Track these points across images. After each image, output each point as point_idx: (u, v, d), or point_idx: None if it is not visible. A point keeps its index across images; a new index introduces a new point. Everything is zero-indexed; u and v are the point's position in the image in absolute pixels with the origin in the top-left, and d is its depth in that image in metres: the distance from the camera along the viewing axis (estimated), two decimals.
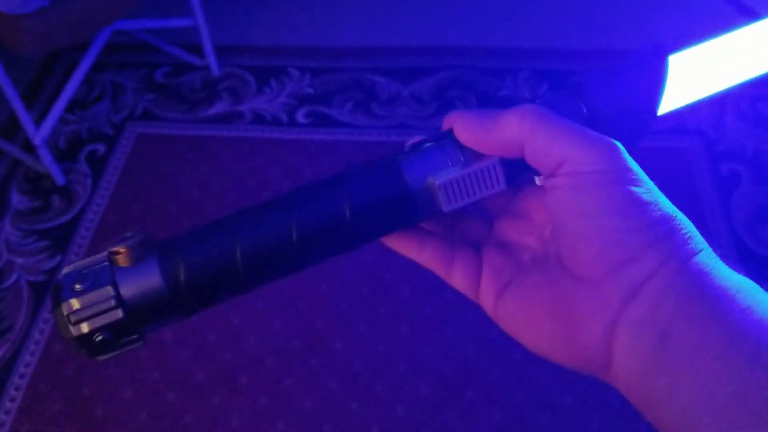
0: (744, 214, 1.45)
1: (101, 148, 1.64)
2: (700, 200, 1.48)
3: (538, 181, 0.32)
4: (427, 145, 0.33)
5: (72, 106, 1.71)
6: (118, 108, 1.73)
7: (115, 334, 0.29)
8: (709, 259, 0.28)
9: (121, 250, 0.29)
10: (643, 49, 0.33)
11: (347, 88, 1.75)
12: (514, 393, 1.20)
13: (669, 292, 0.27)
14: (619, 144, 0.29)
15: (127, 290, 0.29)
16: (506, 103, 1.67)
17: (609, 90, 0.33)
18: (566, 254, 0.30)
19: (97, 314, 0.29)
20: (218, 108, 1.71)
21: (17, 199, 1.55)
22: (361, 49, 1.84)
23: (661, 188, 0.29)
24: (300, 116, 1.68)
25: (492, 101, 1.70)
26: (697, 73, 0.35)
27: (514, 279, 0.33)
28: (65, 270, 0.30)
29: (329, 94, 1.73)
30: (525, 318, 0.32)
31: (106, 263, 0.30)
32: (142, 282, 0.30)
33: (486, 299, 0.34)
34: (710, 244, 0.29)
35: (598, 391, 1.18)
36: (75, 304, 0.29)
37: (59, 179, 1.56)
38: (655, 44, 0.34)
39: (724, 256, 0.29)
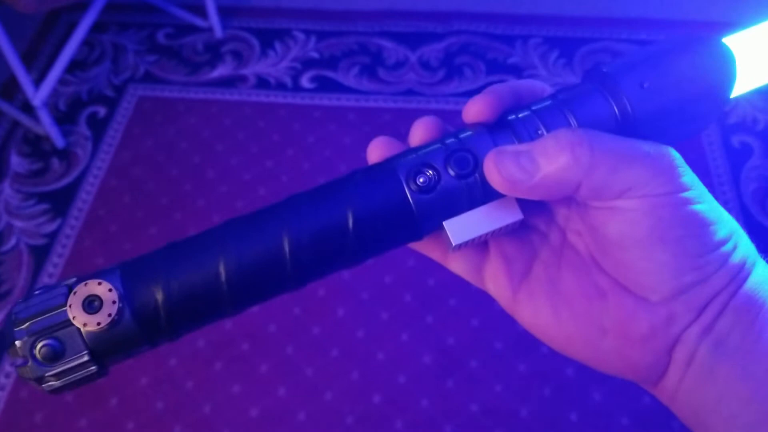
0: (754, 187, 1.43)
1: (102, 110, 1.61)
2: (710, 173, 1.46)
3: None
4: (446, 179, 0.29)
5: (72, 67, 1.68)
6: (119, 70, 1.70)
7: (82, 383, 0.28)
8: (764, 270, 0.28)
9: (90, 326, 0.27)
10: (686, 35, 0.30)
11: (353, 53, 1.71)
12: (516, 364, 1.20)
13: (726, 308, 0.27)
14: (675, 154, 0.28)
15: (97, 342, 0.27)
16: (516, 72, 1.65)
17: (652, 85, 0.29)
18: (622, 272, 0.28)
19: (68, 373, 0.27)
20: (221, 71, 1.68)
21: (16, 162, 1.53)
22: (368, 13, 1.79)
23: None
24: (305, 81, 1.65)
25: (501, 68, 1.66)
26: (752, 59, 0.32)
27: (534, 272, 0.31)
28: (22, 326, 0.27)
29: (335, 58, 1.70)
30: (562, 322, 0.30)
31: (72, 328, 0.27)
32: (115, 334, 0.27)
33: (499, 289, 0.32)
34: None
35: None
36: (51, 380, 0.27)
37: (59, 142, 1.53)
38: (697, 31, 0.29)
39: None
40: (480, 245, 0.32)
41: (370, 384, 1.19)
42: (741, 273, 0.27)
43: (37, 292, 0.28)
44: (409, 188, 0.29)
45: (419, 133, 0.31)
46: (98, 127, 1.58)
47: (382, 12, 1.79)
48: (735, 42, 0.31)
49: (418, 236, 0.30)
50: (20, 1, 1.28)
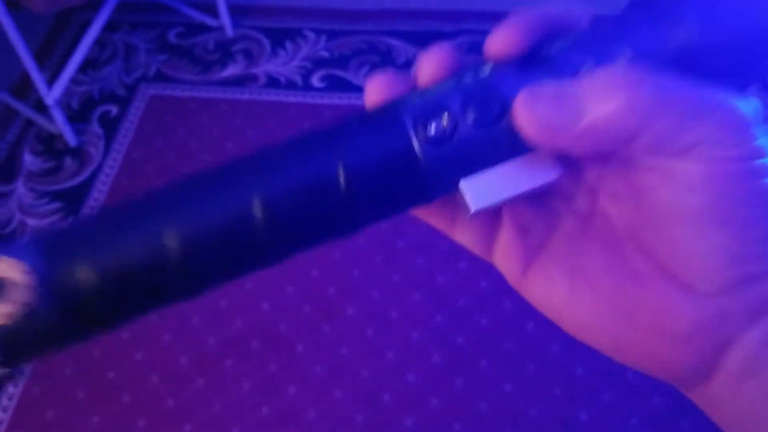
0: None
1: (114, 109, 1.62)
2: None
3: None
4: (464, 129, 0.23)
5: (84, 67, 1.69)
6: (131, 69, 1.71)
7: None
8: None
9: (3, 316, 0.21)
10: None
11: (363, 52, 1.71)
12: (526, 364, 1.20)
13: None
14: (753, 115, 0.22)
15: (5, 334, 0.21)
16: None
17: (713, 9, 0.22)
18: (666, 252, 0.23)
19: None
20: (232, 70, 1.69)
21: (29, 160, 1.54)
22: (378, 12, 1.80)
23: None
24: (315, 80, 1.66)
25: None
26: None
27: (552, 244, 0.26)
28: None
29: (345, 57, 1.70)
30: (580, 303, 0.25)
31: None
32: (31, 323, 0.21)
33: (509, 264, 0.26)
34: None
35: (613, 363, 1.17)
36: None
37: (72, 140, 1.54)
38: None
39: None
40: (491, 211, 0.25)
41: (379, 383, 1.20)
42: None
43: None
44: (418, 138, 0.22)
45: (429, 67, 0.24)
46: (110, 125, 1.59)
47: (392, 11, 1.80)
48: None
49: (426, 199, 0.24)
50: (33, 1, 1.29)
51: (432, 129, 0.22)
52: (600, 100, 0.21)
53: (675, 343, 0.23)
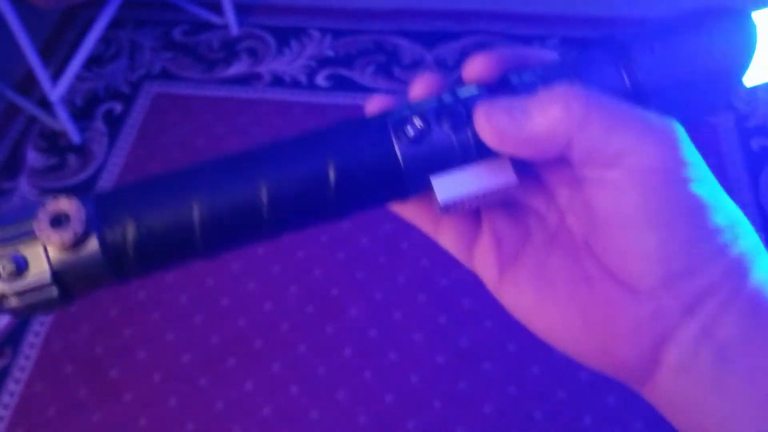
0: None
1: (118, 106, 1.62)
2: (729, 176, 1.44)
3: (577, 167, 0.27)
4: (437, 129, 0.27)
5: (89, 64, 1.69)
6: (135, 66, 1.71)
7: (42, 308, 0.26)
8: None
9: (55, 242, 0.25)
10: (710, 7, 0.28)
11: (369, 51, 1.71)
12: (530, 366, 1.19)
13: (729, 308, 0.24)
14: (679, 129, 0.25)
15: (61, 264, 0.26)
16: None
17: (662, 55, 0.27)
18: (610, 255, 0.26)
19: (28, 293, 0.25)
20: (237, 69, 1.68)
21: (33, 157, 1.54)
22: (384, 11, 1.79)
23: None
24: (320, 79, 1.65)
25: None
26: None
27: (524, 254, 0.29)
28: None
29: (350, 56, 1.70)
30: (546, 312, 0.28)
31: (39, 245, 0.26)
32: (81, 260, 0.26)
33: (485, 269, 0.30)
34: None
35: None
36: (12, 299, 0.25)
37: (75, 137, 1.54)
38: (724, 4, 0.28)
39: None
40: (472, 220, 0.30)
41: (382, 384, 1.19)
42: (740, 268, 0.24)
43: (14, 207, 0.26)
44: (397, 138, 0.27)
45: (418, 88, 0.29)
46: (114, 123, 1.59)
47: (399, 10, 1.79)
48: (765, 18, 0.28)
49: (404, 193, 0.28)
50: None
51: (409, 130, 0.27)
52: (542, 111, 0.25)
53: (619, 340, 0.26)
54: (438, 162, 0.27)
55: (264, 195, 0.26)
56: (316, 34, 1.75)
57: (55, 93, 1.46)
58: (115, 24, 1.74)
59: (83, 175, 1.49)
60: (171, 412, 1.17)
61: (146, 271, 0.27)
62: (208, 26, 1.78)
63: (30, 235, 0.25)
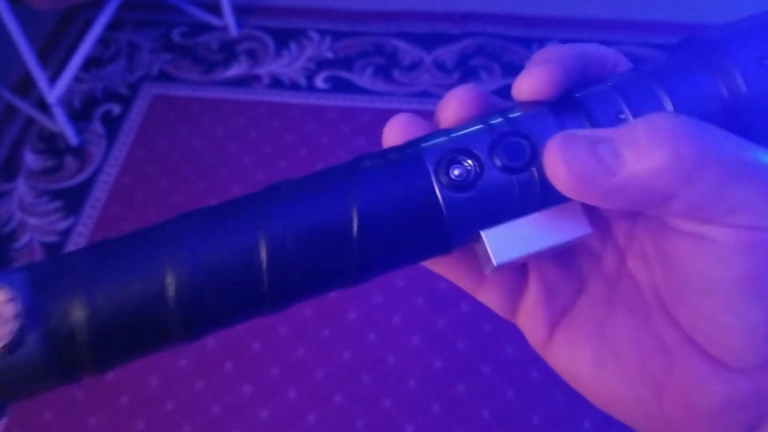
0: None
1: (116, 108, 1.62)
2: None
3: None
4: (490, 174, 0.21)
5: (87, 65, 1.68)
6: (134, 68, 1.70)
7: None
8: None
9: None
10: None
11: (368, 54, 1.70)
12: (529, 370, 1.18)
13: None
14: None
15: None
16: None
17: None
18: (697, 324, 0.22)
19: None
20: (235, 70, 1.68)
21: (31, 159, 1.53)
22: (383, 14, 1.79)
23: None
24: (319, 81, 1.65)
25: (517, 71, 1.64)
26: None
27: (576, 306, 0.24)
28: None
29: (349, 59, 1.69)
30: (606, 377, 0.24)
31: None
32: (15, 362, 0.19)
33: (533, 327, 0.25)
34: None
35: None
36: None
37: (73, 139, 1.54)
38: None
39: None
40: (518, 269, 0.25)
41: (380, 388, 1.19)
42: None
43: None
44: (439, 182, 0.21)
45: (454, 108, 0.23)
46: (112, 125, 1.58)
47: (398, 13, 1.79)
48: None
49: (446, 248, 0.22)
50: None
51: (455, 172, 0.21)
52: (642, 152, 0.19)
53: (706, 421, 0.22)
54: (492, 213, 0.21)
55: (263, 253, 0.20)
56: (315, 36, 1.75)
57: (53, 94, 1.45)
58: (113, 25, 1.73)
59: (81, 177, 1.49)
60: (168, 415, 1.17)
61: (105, 366, 0.21)
62: (207, 28, 1.77)
63: None
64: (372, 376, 1.20)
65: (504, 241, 0.21)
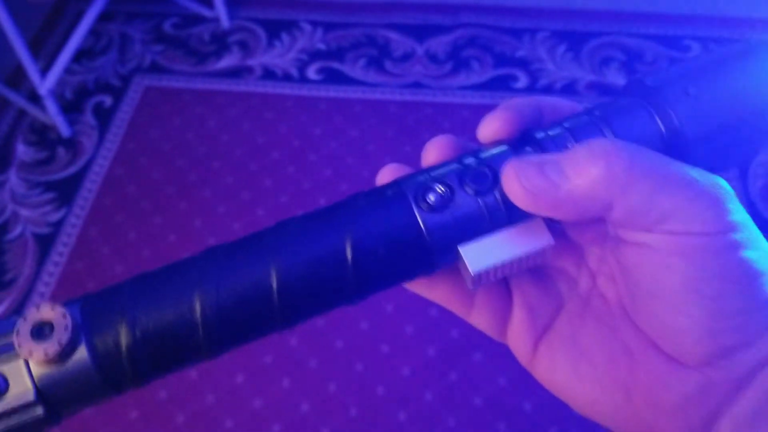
0: (761, 183, 1.42)
1: (108, 100, 1.61)
2: None
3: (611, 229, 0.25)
4: (460, 195, 0.25)
5: (79, 56, 1.68)
6: (126, 59, 1.70)
7: (30, 429, 0.23)
8: None
9: (40, 356, 0.22)
10: (741, 42, 0.26)
11: (360, 45, 1.70)
12: None
13: None
14: (727, 187, 0.23)
15: (47, 383, 0.23)
16: (524, 65, 1.64)
17: (698, 99, 0.25)
18: (653, 326, 0.24)
19: (11, 414, 0.23)
20: (227, 62, 1.68)
21: (22, 150, 1.53)
22: (375, 5, 1.79)
23: None
24: (311, 72, 1.65)
25: (509, 62, 1.65)
26: None
27: (557, 324, 0.27)
28: None
29: (341, 50, 1.69)
30: (581, 383, 0.26)
31: (20, 361, 0.23)
32: (70, 376, 0.23)
33: (519, 345, 0.28)
34: None
35: None
36: None
37: (65, 131, 1.53)
38: (757, 39, 0.26)
39: None
40: (504, 295, 0.28)
41: (374, 376, 1.19)
42: None
43: None
44: (419, 207, 0.25)
45: (433, 153, 0.27)
46: (104, 116, 1.58)
47: (390, 4, 1.79)
48: None
49: (430, 267, 0.26)
50: None
51: (431, 197, 0.25)
52: (581, 168, 0.23)
53: (668, 418, 0.24)
54: (466, 230, 0.25)
55: (274, 283, 0.24)
56: (307, 27, 1.75)
57: (45, 86, 1.45)
58: (105, 17, 1.73)
59: (73, 169, 1.49)
60: (162, 404, 1.17)
61: (144, 379, 0.24)
62: (199, 19, 1.77)
63: (9, 351, 0.23)
64: (365, 365, 1.21)
65: (478, 254, 0.25)
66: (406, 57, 1.67)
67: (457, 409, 1.16)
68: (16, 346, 0.23)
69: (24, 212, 1.42)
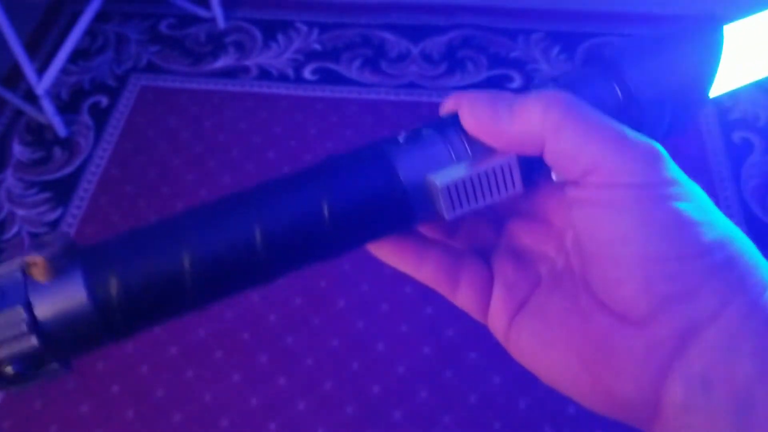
0: (754, 183, 1.44)
1: (104, 100, 1.62)
2: (711, 170, 1.46)
3: (555, 177, 0.27)
4: (427, 132, 0.27)
5: (75, 57, 1.68)
6: (122, 59, 1.70)
7: (29, 364, 0.24)
8: None
9: (37, 260, 0.23)
10: (692, 19, 0.28)
11: (356, 45, 1.71)
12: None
13: (742, 341, 0.21)
14: (661, 148, 0.24)
15: (44, 311, 0.24)
16: (518, 66, 1.65)
17: (650, 68, 0.27)
18: (599, 284, 0.24)
19: (4, 341, 0.23)
20: (223, 62, 1.68)
21: (19, 150, 1.53)
22: (370, 5, 1.79)
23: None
24: (307, 73, 1.65)
25: (503, 62, 1.66)
26: (754, 50, 0.29)
27: (530, 299, 0.28)
28: None
29: (337, 50, 1.70)
30: (546, 354, 0.26)
31: (19, 275, 0.24)
32: (63, 301, 0.24)
33: (496, 322, 0.28)
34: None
35: None
36: None
37: (61, 131, 1.54)
38: (707, 13, 0.29)
39: None
40: (487, 278, 0.29)
41: (369, 374, 1.20)
42: (744, 295, 0.22)
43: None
44: (388, 146, 0.27)
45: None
46: (100, 116, 1.59)
47: (385, 4, 1.79)
48: (737, 29, 0.29)
49: (406, 206, 0.27)
50: None
51: (400, 137, 0.27)
52: (524, 107, 0.25)
53: (619, 378, 0.23)
54: (433, 161, 0.27)
55: (258, 238, 0.25)
56: (303, 27, 1.75)
57: (41, 86, 1.45)
58: (101, 17, 1.73)
59: (69, 169, 1.49)
60: (158, 403, 1.18)
61: (135, 326, 0.25)
62: (195, 19, 1.77)
63: (11, 274, 0.24)
64: (361, 363, 1.21)
65: (446, 174, 0.26)
66: (402, 57, 1.68)
67: (452, 408, 1.16)
68: (16, 261, 0.24)
69: (20, 212, 1.43)
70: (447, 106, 0.28)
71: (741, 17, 0.30)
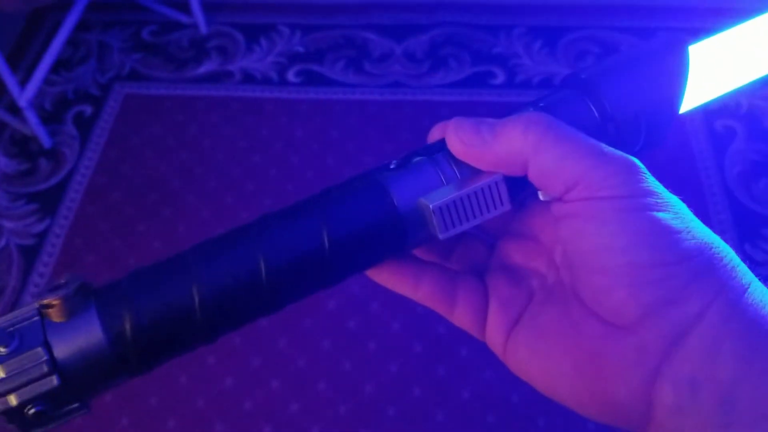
0: (738, 170, 1.45)
1: (88, 109, 1.61)
2: (694, 157, 1.47)
3: (541, 196, 0.28)
4: (417, 159, 0.28)
5: (57, 67, 1.68)
6: (105, 68, 1.70)
7: (50, 404, 0.25)
8: (763, 294, 0.23)
9: (54, 302, 0.24)
10: (658, 41, 0.30)
11: (339, 46, 1.71)
12: None
13: (724, 343, 0.22)
14: (638, 162, 0.25)
15: (62, 351, 0.25)
16: (501, 61, 1.65)
17: (623, 88, 0.29)
18: (588, 294, 0.25)
19: (27, 383, 0.24)
20: (207, 67, 1.68)
21: (4, 163, 1.53)
22: (352, 6, 1.80)
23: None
24: (291, 75, 1.66)
25: (486, 58, 1.67)
26: (719, 67, 0.31)
27: (525, 314, 0.29)
28: None
29: (320, 52, 1.70)
30: (542, 364, 0.27)
31: (36, 318, 0.25)
32: (80, 339, 0.25)
33: (494, 338, 0.29)
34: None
35: None
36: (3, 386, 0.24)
37: (46, 142, 1.53)
38: (672, 35, 0.30)
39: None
40: (483, 295, 0.30)
41: (362, 373, 1.20)
42: (724, 296, 0.23)
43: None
44: (381, 174, 0.28)
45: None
46: (85, 126, 1.58)
47: (367, 5, 1.80)
48: (702, 49, 0.31)
49: (400, 229, 0.28)
50: (4, 1, 1.28)
51: (392, 165, 0.28)
52: (507, 130, 0.26)
53: (610, 382, 0.24)
54: (423, 184, 0.28)
55: (263, 270, 0.26)
56: (285, 30, 1.76)
57: (24, 98, 1.45)
58: (82, 26, 1.73)
59: (55, 179, 1.49)
60: (152, 409, 1.18)
61: (150, 360, 0.27)
62: (177, 26, 1.77)
63: (29, 317, 0.25)
64: (353, 363, 1.22)
65: (438, 195, 0.27)
66: (385, 57, 1.68)
67: (445, 404, 1.17)
68: (35, 304, 0.25)
69: (7, 224, 1.42)
70: (434, 134, 0.30)
71: (703, 38, 0.31)
